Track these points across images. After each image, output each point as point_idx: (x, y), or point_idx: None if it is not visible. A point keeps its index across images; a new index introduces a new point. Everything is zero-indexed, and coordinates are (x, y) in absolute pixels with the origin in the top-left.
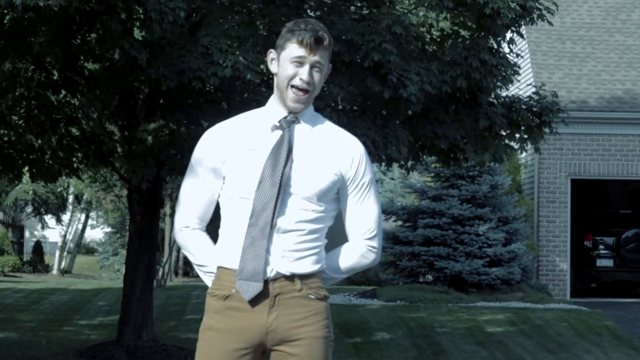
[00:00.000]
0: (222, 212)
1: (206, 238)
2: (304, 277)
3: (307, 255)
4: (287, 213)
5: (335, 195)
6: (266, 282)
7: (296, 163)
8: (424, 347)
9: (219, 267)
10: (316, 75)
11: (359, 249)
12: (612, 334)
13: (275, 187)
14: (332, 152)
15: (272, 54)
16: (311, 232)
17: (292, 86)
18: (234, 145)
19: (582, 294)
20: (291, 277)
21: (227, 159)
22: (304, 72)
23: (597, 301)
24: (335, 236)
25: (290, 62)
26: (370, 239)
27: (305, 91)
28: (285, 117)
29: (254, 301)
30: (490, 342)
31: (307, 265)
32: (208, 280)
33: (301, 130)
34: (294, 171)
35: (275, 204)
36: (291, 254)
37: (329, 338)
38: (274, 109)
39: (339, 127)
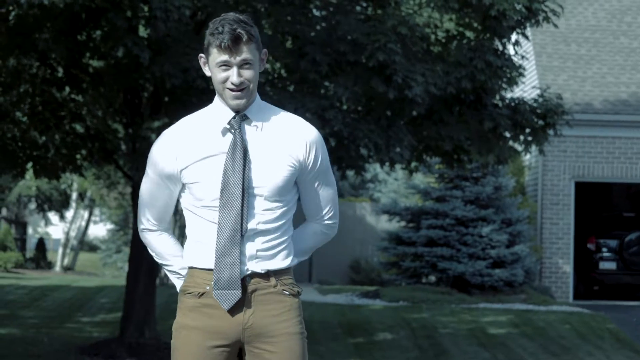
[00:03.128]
0: (187, 218)
1: (167, 238)
2: (277, 273)
3: (278, 252)
4: (254, 215)
5: (295, 184)
6: (242, 280)
7: (254, 164)
8: (426, 348)
9: (190, 267)
10: (247, 73)
11: (321, 228)
12: (614, 336)
13: (239, 193)
14: (286, 144)
15: (202, 58)
16: (279, 228)
17: (228, 89)
18: (189, 153)
19: (585, 296)
20: (266, 274)
21: (183, 167)
22: (232, 74)
23: (600, 304)
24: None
25: (218, 67)
26: (330, 217)
27: (241, 89)
28: (234, 117)
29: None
30: (493, 344)
31: (280, 261)
32: (174, 278)
33: (252, 128)
34: (253, 172)
35: (242, 210)
36: (263, 253)
37: (304, 334)
38: (220, 110)
39: (290, 113)
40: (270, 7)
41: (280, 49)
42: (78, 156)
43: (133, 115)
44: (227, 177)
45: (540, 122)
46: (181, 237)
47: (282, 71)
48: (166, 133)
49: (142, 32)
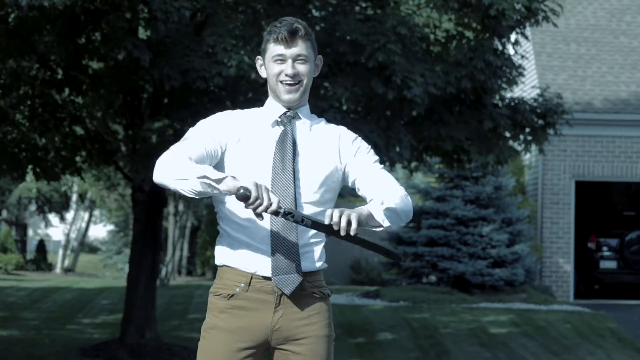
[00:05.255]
0: (225, 211)
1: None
2: (308, 274)
3: (312, 251)
4: (299, 208)
5: (338, 184)
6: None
7: (301, 157)
8: (427, 348)
9: (222, 266)
10: (301, 67)
11: (402, 193)
12: (615, 335)
13: (290, 181)
14: (330, 143)
15: (259, 60)
16: None
17: (281, 82)
18: (245, 132)
19: (586, 295)
20: None
21: (237, 140)
22: (287, 67)
23: (601, 303)
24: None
25: (273, 61)
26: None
27: (294, 83)
28: (285, 113)
29: (263, 300)
30: (494, 343)
31: (311, 263)
32: (198, 184)
33: (301, 125)
34: (301, 165)
35: (295, 197)
36: (301, 250)
37: (332, 337)
38: (272, 107)
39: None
40: (269, 7)
41: None
42: (78, 158)
43: (133, 116)
44: (276, 166)
45: (540, 122)
46: (181, 237)
47: None
48: (228, 111)
49: (142, 33)
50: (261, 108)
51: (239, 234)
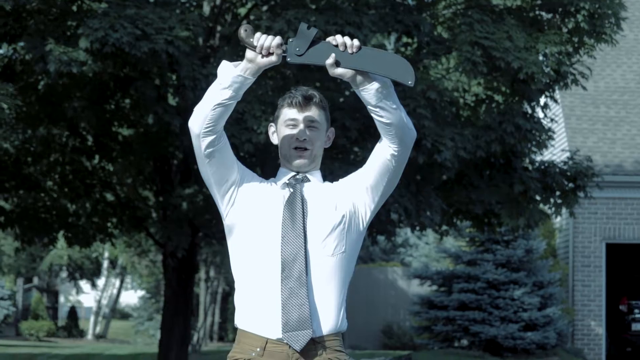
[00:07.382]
0: (239, 276)
1: None
2: (324, 340)
3: (329, 313)
4: (312, 268)
5: (356, 234)
6: (288, 346)
7: (310, 215)
8: None
9: (240, 330)
10: (312, 133)
11: None
12: None
13: (300, 238)
14: (335, 194)
15: (272, 127)
16: (332, 283)
17: (293, 148)
18: (258, 193)
19: (618, 358)
20: (312, 341)
21: (252, 196)
22: (298, 131)
23: None
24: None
25: (285, 126)
26: None
27: (305, 149)
28: (294, 176)
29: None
30: None
31: (329, 325)
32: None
33: (311, 186)
34: (310, 224)
35: (305, 254)
36: (315, 312)
37: None
38: (283, 173)
39: None
40: (299, 72)
41: None
42: (109, 224)
43: (163, 182)
44: (286, 224)
45: (571, 185)
46: (213, 303)
47: None
48: None
49: (171, 100)
50: (274, 178)
51: (252, 295)
